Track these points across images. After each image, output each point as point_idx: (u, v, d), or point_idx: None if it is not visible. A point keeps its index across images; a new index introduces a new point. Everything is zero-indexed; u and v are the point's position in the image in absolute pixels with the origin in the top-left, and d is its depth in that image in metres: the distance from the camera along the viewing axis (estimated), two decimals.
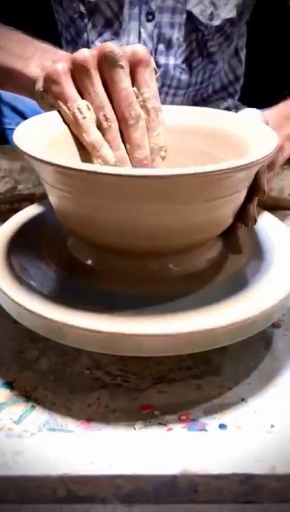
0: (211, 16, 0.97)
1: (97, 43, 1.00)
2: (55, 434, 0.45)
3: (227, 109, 1.11)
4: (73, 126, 0.56)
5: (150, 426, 0.46)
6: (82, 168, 0.43)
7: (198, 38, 0.99)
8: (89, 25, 1.00)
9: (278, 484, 0.35)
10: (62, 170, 0.44)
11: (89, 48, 0.98)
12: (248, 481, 0.35)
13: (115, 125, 0.56)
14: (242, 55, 1.10)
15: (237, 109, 1.13)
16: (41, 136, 0.52)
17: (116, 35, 0.99)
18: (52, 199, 0.52)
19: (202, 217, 0.48)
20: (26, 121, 0.55)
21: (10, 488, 0.35)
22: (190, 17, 0.97)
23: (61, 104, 0.56)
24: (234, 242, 0.57)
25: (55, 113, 0.57)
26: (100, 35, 1.00)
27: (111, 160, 0.56)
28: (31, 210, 0.63)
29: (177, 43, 0.98)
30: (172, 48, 0.99)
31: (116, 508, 0.38)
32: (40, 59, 0.63)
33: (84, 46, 1.00)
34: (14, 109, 1.05)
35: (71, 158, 0.55)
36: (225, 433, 0.45)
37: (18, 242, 0.57)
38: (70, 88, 0.56)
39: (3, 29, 0.77)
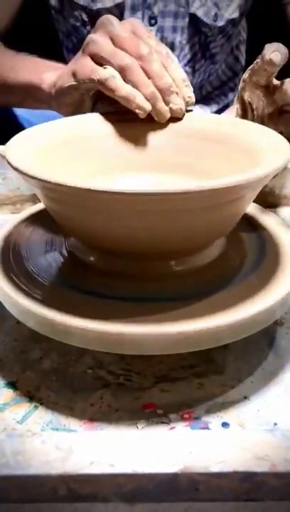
0: (215, 17, 0.97)
1: None
2: (58, 433, 0.45)
3: (229, 104, 1.12)
4: (104, 90, 0.59)
5: (152, 425, 0.46)
6: (75, 185, 0.43)
7: (201, 40, 0.99)
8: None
9: (279, 482, 0.35)
10: (52, 186, 0.44)
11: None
12: (249, 479, 0.35)
13: (135, 63, 0.58)
14: (239, 52, 1.10)
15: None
16: (32, 148, 0.53)
17: None
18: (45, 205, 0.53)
19: (205, 224, 0.48)
20: (19, 133, 0.55)
21: (11, 487, 0.35)
22: (193, 20, 0.97)
23: (83, 78, 0.60)
24: (237, 241, 0.57)
25: (47, 124, 0.59)
26: None
27: (148, 107, 0.57)
28: (33, 211, 0.63)
29: (180, 46, 0.99)
30: (174, 52, 0.99)
31: (117, 506, 0.38)
32: (54, 73, 0.68)
33: None
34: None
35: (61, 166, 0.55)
36: (228, 431, 0.45)
37: (20, 242, 0.57)
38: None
39: (10, 51, 0.82)
